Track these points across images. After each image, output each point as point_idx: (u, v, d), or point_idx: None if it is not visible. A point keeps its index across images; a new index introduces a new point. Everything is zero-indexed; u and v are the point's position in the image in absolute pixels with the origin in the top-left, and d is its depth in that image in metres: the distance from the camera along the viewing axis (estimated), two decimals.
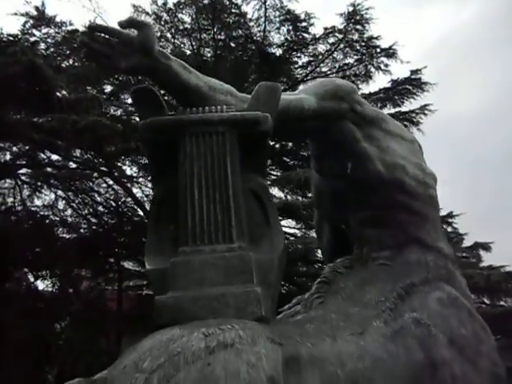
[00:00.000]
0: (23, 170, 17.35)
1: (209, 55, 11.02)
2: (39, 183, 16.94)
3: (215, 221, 1.51)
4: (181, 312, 1.35)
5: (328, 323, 1.42)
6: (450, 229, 9.31)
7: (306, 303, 1.61)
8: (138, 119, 2.12)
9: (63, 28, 9.52)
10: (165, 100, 1.76)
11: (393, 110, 10.31)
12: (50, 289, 17.99)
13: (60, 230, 16.99)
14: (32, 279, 18.25)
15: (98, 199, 12.90)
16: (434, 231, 1.77)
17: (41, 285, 18.44)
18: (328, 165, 1.97)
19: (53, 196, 18.96)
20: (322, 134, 1.94)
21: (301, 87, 2.04)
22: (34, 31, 8.74)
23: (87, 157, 10.66)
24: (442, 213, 7.97)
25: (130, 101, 8.69)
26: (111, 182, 12.18)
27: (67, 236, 16.97)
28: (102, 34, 1.58)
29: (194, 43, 10.94)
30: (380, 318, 1.47)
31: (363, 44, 10.50)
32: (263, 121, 1.58)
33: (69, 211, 18.62)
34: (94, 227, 15.57)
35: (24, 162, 14.79)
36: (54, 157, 11.21)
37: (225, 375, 1.10)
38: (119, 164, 10.76)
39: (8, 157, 15.80)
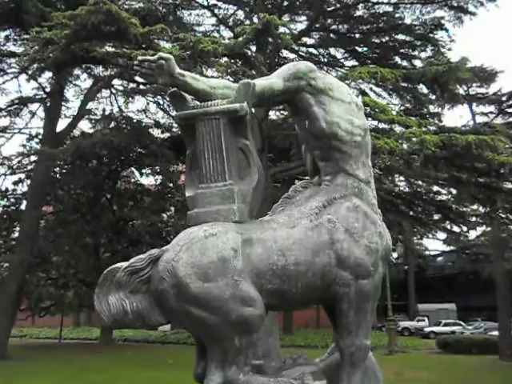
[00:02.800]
0: (117, 81, 19.39)
1: None
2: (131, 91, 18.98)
3: (216, 169, 2.75)
4: (198, 219, 2.68)
5: (276, 222, 2.67)
6: None
7: (273, 210, 2.87)
8: None
9: None
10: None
11: None
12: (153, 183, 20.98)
13: (155, 131, 19.36)
14: (138, 177, 21.33)
15: None
16: (355, 164, 2.82)
17: (145, 181, 21.54)
18: (299, 122, 3.06)
19: (144, 101, 21.10)
20: (289, 103, 3.01)
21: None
22: None
23: None
24: None
25: None
26: None
27: (162, 136, 19.40)
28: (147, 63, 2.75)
29: None
30: (308, 218, 2.66)
31: None
32: (241, 109, 2.71)
33: (160, 113, 20.85)
34: None
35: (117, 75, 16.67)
36: None
37: (211, 246, 2.42)
38: None
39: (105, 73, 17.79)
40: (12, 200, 20.17)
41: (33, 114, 20.49)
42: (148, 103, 20.96)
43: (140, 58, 2.78)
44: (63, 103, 19.90)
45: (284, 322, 25.03)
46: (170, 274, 2.37)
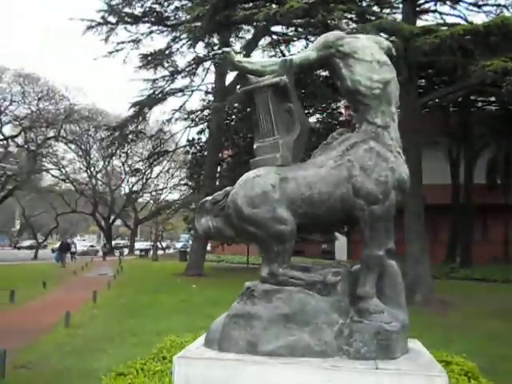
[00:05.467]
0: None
1: None
2: None
3: (268, 128, 3.75)
4: (256, 165, 3.73)
5: (310, 163, 3.56)
6: None
7: (313, 154, 3.73)
8: None
9: None
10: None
11: None
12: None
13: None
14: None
15: None
16: (374, 113, 3.44)
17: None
18: (337, 83, 3.78)
19: (302, 44, 21.84)
20: (327, 68, 3.74)
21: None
22: None
23: None
24: None
25: None
26: None
27: (324, 73, 20.14)
28: None
29: None
30: (333, 159, 3.47)
31: None
32: (280, 81, 3.60)
33: None
34: None
35: None
36: None
37: (257, 183, 3.47)
38: None
39: None
40: (198, 147, 23.98)
41: (206, 70, 23.44)
42: (307, 44, 21.78)
43: (212, 53, 3.87)
44: None
45: (461, 255, 24.33)
46: (233, 203, 3.55)
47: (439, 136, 25.02)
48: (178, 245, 53.72)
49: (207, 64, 22.72)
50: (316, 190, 3.40)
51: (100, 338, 7.10)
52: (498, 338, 7.61)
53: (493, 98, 22.25)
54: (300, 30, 18.32)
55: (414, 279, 12.29)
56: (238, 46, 23.70)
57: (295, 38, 21.32)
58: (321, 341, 3.27)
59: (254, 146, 3.90)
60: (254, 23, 10.03)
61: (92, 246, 51.28)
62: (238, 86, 4.06)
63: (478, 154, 24.99)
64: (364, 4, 8.96)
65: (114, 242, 49.83)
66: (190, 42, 19.77)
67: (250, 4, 9.94)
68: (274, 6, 8.19)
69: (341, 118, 24.51)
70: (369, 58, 3.50)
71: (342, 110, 25.17)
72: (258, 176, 3.53)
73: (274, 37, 22.96)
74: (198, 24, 9.95)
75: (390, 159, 3.38)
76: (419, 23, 16.47)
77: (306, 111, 21.21)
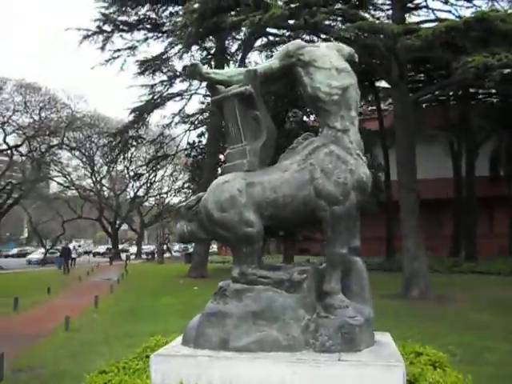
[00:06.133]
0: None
1: None
2: None
3: (236, 135, 3.94)
4: (225, 171, 3.94)
5: (275, 168, 3.74)
6: None
7: (280, 159, 3.90)
8: None
9: None
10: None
11: None
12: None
13: None
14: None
15: None
16: (334, 118, 3.61)
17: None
18: (299, 88, 3.96)
19: None
20: (291, 77, 3.92)
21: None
22: None
23: None
24: None
25: None
26: None
27: None
28: None
29: None
30: (297, 163, 3.65)
31: None
32: (245, 91, 3.79)
33: None
34: None
35: None
36: None
37: (225, 189, 3.65)
38: None
39: None
40: (198, 150, 24.24)
41: None
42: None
43: (183, 65, 4.07)
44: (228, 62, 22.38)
45: (466, 249, 24.36)
46: (204, 207, 3.75)
47: (440, 130, 25.10)
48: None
49: (206, 67, 22.96)
50: (280, 193, 3.59)
51: (97, 341, 7.33)
52: (487, 331, 7.73)
53: (494, 90, 22.26)
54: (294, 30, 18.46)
55: (410, 274, 12.42)
56: (234, 47, 23.95)
57: (291, 39, 21.49)
58: (289, 336, 3.45)
59: (225, 153, 4.10)
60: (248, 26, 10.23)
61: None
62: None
63: (479, 146, 25.01)
64: (347, 6, 9.11)
65: (105, 247, 50.86)
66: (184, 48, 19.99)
67: (238, 9, 10.12)
68: (259, 12, 8.37)
69: None
70: (328, 65, 3.68)
71: None
72: (226, 182, 3.72)
73: (270, 38, 23.14)
74: (188, 31, 10.20)
75: (349, 162, 3.54)
76: (412, 19, 16.63)
77: (300, 111, 21.36)
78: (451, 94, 23.85)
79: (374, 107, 26.33)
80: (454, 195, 25.09)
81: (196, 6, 9.65)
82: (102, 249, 54.72)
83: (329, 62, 3.69)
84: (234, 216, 3.61)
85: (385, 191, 23.50)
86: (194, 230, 3.93)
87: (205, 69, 3.97)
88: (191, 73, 3.95)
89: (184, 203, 4.02)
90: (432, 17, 15.94)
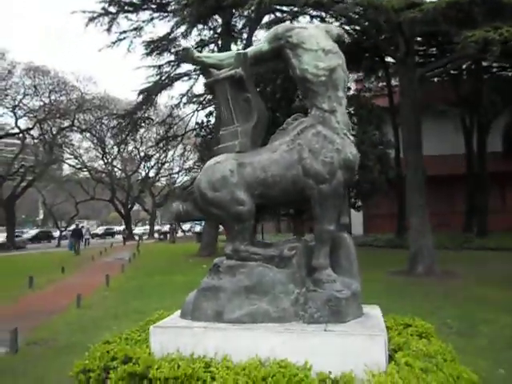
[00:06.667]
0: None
1: None
2: None
3: (228, 117, 4.06)
4: (218, 152, 4.08)
5: (265, 149, 3.86)
6: None
7: (271, 139, 4.02)
8: None
9: None
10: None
11: None
12: None
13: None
14: None
15: None
16: (321, 99, 3.69)
17: None
18: (289, 70, 4.05)
19: (307, 20, 21.81)
20: (281, 59, 4.00)
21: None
22: None
23: None
24: None
25: None
26: None
27: None
28: None
29: None
30: (286, 144, 3.77)
31: None
32: (235, 74, 3.90)
33: None
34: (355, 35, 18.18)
35: None
36: None
37: (217, 169, 3.81)
38: None
39: None
40: (207, 130, 24.30)
41: (211, 52, 23.58)
42: (311, 20, 21.65)
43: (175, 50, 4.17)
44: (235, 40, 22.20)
45: (478, 225, 24.28)
46: (197, 187, 3.91)
47: (451, 106, 24.73)
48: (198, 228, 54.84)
49: (212, 46, 22.84)
50: (270, 172, 3.73)
51: (107, 316, 7.65)
52: (486, 304, 7.86)
53: (508, 64, 21.77)
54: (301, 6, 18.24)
55: (416, 251, 12.53)
56: (241, 25, 23.69)
57: (298, 15, 21.17)
58: (278, 308, 3.64)
59: (218, 135, 4.23)
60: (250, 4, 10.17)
61: (109, 229, 54.40)
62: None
63: (491, 122, 24.63)
64: None
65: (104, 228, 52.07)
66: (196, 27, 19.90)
67: None
68: None
69: (348, 93, 24.38)
70: (315, 47, 3.75)
71: (350, 84, 25.02)
72: (218, 162, 3.87)
73: (278, 14, 22.84)
74: (189, 10, 10.17)
75: (335, 141, 3.65)
76: None
77: None
78: (464, 67, 23.40)
79: (385, 83, 25.98)
80: (466, 171, 24.88)
81: None
82: (100, 230, 55.70)
83: (316, 44, 3.77)
84: (226, 195, 3.76)
85: (395, 168, 23.39)
86: (189, 210, 4.10)
87: (196, 53, 4.07)
88: (183, 57, 4.08)
89: (179, 184, 4.19)
90: None
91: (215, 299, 3.79)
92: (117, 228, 57.05)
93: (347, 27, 20.03)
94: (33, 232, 48.59)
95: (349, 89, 25.12)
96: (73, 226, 32.93)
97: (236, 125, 4.03)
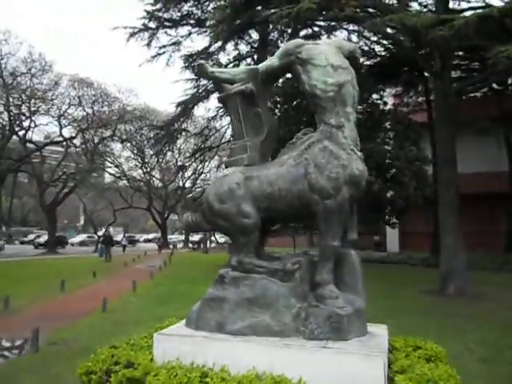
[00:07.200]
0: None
1: None
2: None
3: (239, 131, 4.14)
4: (229, 164, 4.16)
5: (273, 163, 3.90)
6: None
7: (280, 153, 4.05)
8: None
9: None
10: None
11: None
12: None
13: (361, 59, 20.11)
14: None
15: None
16: (329, 114, 3.70)
17: None
18: (299, 86, 4.09)
19: (344, 34, 21.85)
20: (292, 75, 4.05)
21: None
22: None
23: None
24: None
25: None
26: None
27: (368, 62, 20.13)
28: None
29: None
30: (293, 159, 3.79)
31: None
32: (246, 89, 3.98)
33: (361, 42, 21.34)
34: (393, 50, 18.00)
35: None
36: None
37: (225, 182, 3.89)
38: None
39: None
40: None
41: (248, 65, 23.94)
42: (348, 34, 21.64)
43: (192, 65, 4.31)
44: (271, 54, 22.48)
45: (504, 243, 23.34)
46: (206, 199, 3.99)
47: (494, 122, 23.89)
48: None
49: (249, 60, 23.18)
50: (276, 186, 3.76)
51: (128, 321, 7.83)
52: None
53: None
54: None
55: (447, 271, 12.10)
56: (276, 38, 23.92)
57: (335, 28, 21.19)
58: (280, 322, 3.64)
59: (228, 148, 4.32)
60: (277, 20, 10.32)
61: (90, 237, 49.58)
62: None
63: None
64: None
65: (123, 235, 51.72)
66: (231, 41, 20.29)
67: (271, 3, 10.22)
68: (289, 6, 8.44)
69: (385, 108, 24.01)
70: (324, 62, 3.78)
71: (388, 99, 24.67)
72: (226, 175, 3.95)
73: (316, 28, 22.94)
74: (221, 27, 10.45)
75: (341, 157, 3.64)
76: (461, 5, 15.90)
77: None
78: (510, 82, 22.59)
79: (424, 98, 25.44)
80: (509, 189, 23.87)
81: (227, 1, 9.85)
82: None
83: (325, 60, 3.79)
84: (232, 207, 3.83)
85: (432, 185, 22.75)
86: (199, 221, 4.19)
87: (210, 68, 4.19)
88: (197, 72, 4.19)
89: (190, 195, 4.29)
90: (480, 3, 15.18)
91: (219, 309, 3.83)
92: (138, 236, 56.20)
93: (385, 41, 19.91)
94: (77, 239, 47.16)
95: (385, 103, 24.85)
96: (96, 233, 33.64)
97: (246, 139, 4.11)
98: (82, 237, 48.97)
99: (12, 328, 7.54)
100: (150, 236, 61.95)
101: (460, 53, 17.92)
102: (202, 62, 4.23)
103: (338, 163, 3.63)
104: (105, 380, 3.52)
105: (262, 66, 4.07)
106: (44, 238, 39.13)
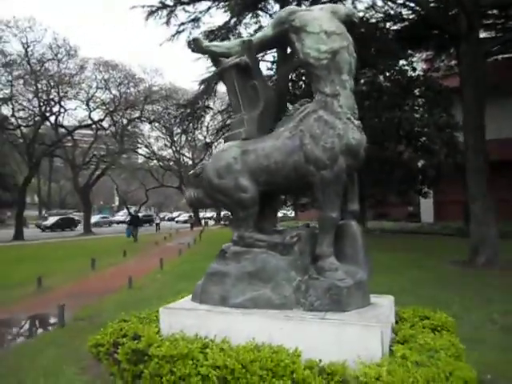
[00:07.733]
0: None
1: None
2: None
3: (236, 105, 4.09)
4: (227, 139, 4.13)
5: (269, 136, 3.85)
6: None
7: (277, 125, 3.98)
8: None
9: None
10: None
11: None
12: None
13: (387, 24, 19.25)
14: None
15: None
16: (324, 83, 3.59)
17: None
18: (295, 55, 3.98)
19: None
20: (283, 42, 3.95)
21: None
22: None
23: None
24: None
25: None
26: None
27: (395, 27, 19.38)
28: None
29: None
30: (288, 130, 3.73)
31: None
32: (240, 61, 3.91)
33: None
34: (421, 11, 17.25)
35: None
36: None
37: (222, 157, 3.87)
38: None
39: None
40: None
41: None
42: None
43: (187, 40, 4.27)
44: None
45: None
46: (205, 175, 4.00)
47: None
48: None
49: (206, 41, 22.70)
50: (272, 159, 3.72)
51: (152, 297, 8.06)
52: None
53: None
54: None
55: (477, 241, 11.76)
56: (303, 6, 23.26)
57: None
58: (280, 295, 3.66)
59: (228, 122, 4.28)
60: None
61: (104, 217, 49.82)
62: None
63: None
64: None
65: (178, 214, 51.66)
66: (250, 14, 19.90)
67: None
68: None
69: (413, 74, 23.02)
70: (317, 29, 3.66)
71: (418, 65, 23.74)
72: (224, 150, 3.94)
73: None
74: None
75: (337, 126, 3.55)
76: None
77: (372, 71, 20.26)
78: None
79: (456, 62, 24.27)
80: None
81: None
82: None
83: (318, 26, 3.67)
84: (230, 182, 3.82)
85: (465, 152, 21.91)
86: (201, 197, 4.21)
87: (205, 42, 4.13)
88: (193, 47, 4.14)
89: (192, 171, 4.31)
90: None
91: (221, 284, 3.89)
92: (155, 215, 55.33)
93: (412, 3, 18.98)
94: (51, 219, 41.05)
95: (414, 69, 23.85)
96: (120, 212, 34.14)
97: (243, 112, 4.06)
98: (96, 218, 47.08)
99: (43, 306, 7.93)
100: (175, 214, 61.92)
101: (494, 11, 16.92)
102: (197, 36, 4.17)
103: (333, 133, 3.54)
104: (112, 352, 3.66)
105: (255, 37, 3.97)
106: (50, 221, 39.91)
